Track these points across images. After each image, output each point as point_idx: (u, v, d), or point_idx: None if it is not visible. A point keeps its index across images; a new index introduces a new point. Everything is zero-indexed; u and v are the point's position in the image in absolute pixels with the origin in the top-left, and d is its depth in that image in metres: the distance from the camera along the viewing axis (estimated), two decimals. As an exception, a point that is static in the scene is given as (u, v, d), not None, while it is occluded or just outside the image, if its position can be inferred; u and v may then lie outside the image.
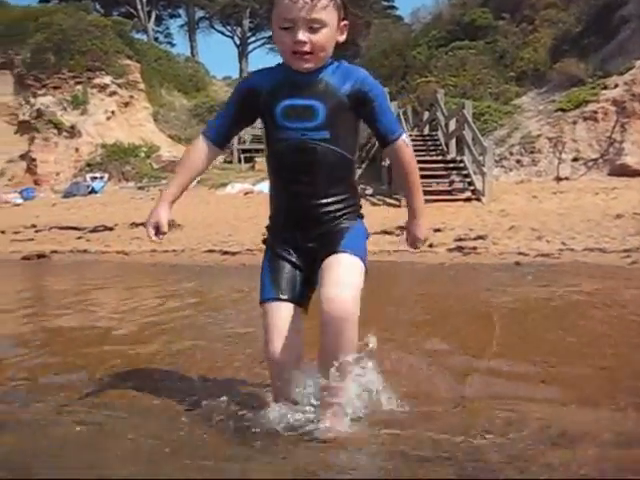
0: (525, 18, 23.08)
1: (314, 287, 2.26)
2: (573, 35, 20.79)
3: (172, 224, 2.44)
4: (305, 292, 2.31)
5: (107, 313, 5.07)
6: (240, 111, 2.27)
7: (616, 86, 16.79)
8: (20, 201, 20.47)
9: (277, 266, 2.31)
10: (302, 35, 2.06)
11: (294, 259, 2.30)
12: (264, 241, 2.43)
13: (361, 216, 2.35)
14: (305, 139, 2.17)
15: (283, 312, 2.25)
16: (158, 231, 2.23)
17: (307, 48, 2.08)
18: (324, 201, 2.24)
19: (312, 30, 2.07)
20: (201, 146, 2.30)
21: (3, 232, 13.90)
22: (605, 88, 17.02)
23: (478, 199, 13.75)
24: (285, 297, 2.25)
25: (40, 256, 10.22)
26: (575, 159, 16.11)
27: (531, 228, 10.01)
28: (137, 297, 5.84)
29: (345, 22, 2.17)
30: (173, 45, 49.97)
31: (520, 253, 8.21)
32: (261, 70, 2.31)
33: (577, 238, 9.07)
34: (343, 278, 2.11)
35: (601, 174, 15.36)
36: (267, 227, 2.43)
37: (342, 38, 2.19)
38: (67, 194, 20.89)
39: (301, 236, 2.28)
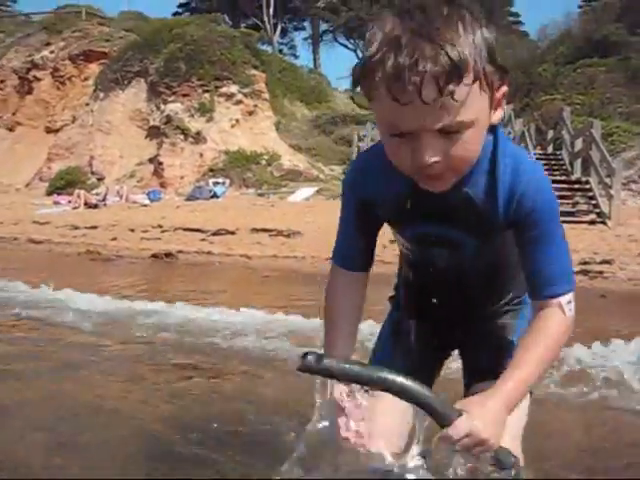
0: (661, 35, 22.20)
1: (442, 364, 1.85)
2: None
3: None
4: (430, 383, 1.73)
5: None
6: (363, 225, 1.60)
7: None
8: (147, 202, 21.43)
9: (401, 341, 1.77)
10: (429, 155, 1.23)
11: (427, 341, 1.76)
12: (391, 298, 1.90)
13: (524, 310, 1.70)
14: (449, 262, 1.58)
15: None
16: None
17: (439, 169, 1.27)
18: (475, 310, 1.71)
19: (447, 136, 1.22)
20: (347, 284, 1.64)
21: (133, 230, 14.66)
22: None
23: (603, 222, 13.26)
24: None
25: (168, 255, 10.72)
26: None
27: (662, 255, 9.58)
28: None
29: (504, 89, 1.31)
30: (297, 57, 51.25)
31: (652, 280, 7.90)
32: (367, 173, 1.51)
33: None
34: (508, 429, 1.40)
35: None
36: (392, 296, 1.90)
37: (498, 115, 1.34)
38: (190, 197, 21.70)
39: (443, 329, 1.76)
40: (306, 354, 1.27)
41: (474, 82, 1.18)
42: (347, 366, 1.26)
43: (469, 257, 1.54)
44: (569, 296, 1.43)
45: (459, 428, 1.24)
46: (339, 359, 1.29)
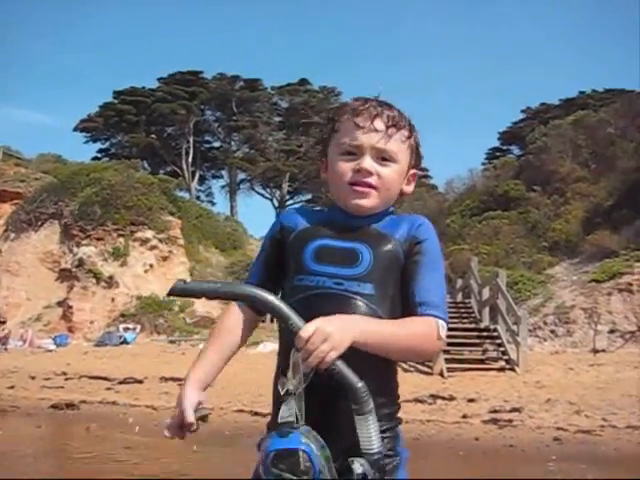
0: (556, 190, 23.84)
1: None
2: (604, 208, 21.25)
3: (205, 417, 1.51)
4: None
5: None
6: (271, 258, 1.75)
7: (651, 259, 16.88)
8: (53, 347, 20.61)
9: None
10: (369, 163, 1.65)
11: None
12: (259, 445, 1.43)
13: (400, 441, 1.60)
14: (339, 290, 1.59)
15: None
16: (183, 425, 1.50)
17: (372, 180, 1.65)
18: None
19: (381, 162, 1.67)
20: (235, 311, 1.71)
21: (33, 378, 13.93)
22: (639, 260, 17.10)
23: (512, 369, 13.49)
24: None
25: (69, 405, 10.17)
26: (611, 331, 15.90)
27: (569, 402, 9.74)
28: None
29: (414, 171, 1.78)
30: (214, 204, 51.97)
31: (559, 428, 7.96)
32: (300, 208, 1.87)
33: (618, 414, 8.79)
34: None
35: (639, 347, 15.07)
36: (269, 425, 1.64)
37: (409, 189, 1.78)
38: (99, 343, 21.03)
39: None
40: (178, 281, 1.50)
41: (405, 140, 1.71)
42: (210, 284, 1.53)
43: (362, 294, 1.59)
44: (444, 323, 1.58)
45: (308, 326, 1.40)
46: (203, 280, 1.85)
